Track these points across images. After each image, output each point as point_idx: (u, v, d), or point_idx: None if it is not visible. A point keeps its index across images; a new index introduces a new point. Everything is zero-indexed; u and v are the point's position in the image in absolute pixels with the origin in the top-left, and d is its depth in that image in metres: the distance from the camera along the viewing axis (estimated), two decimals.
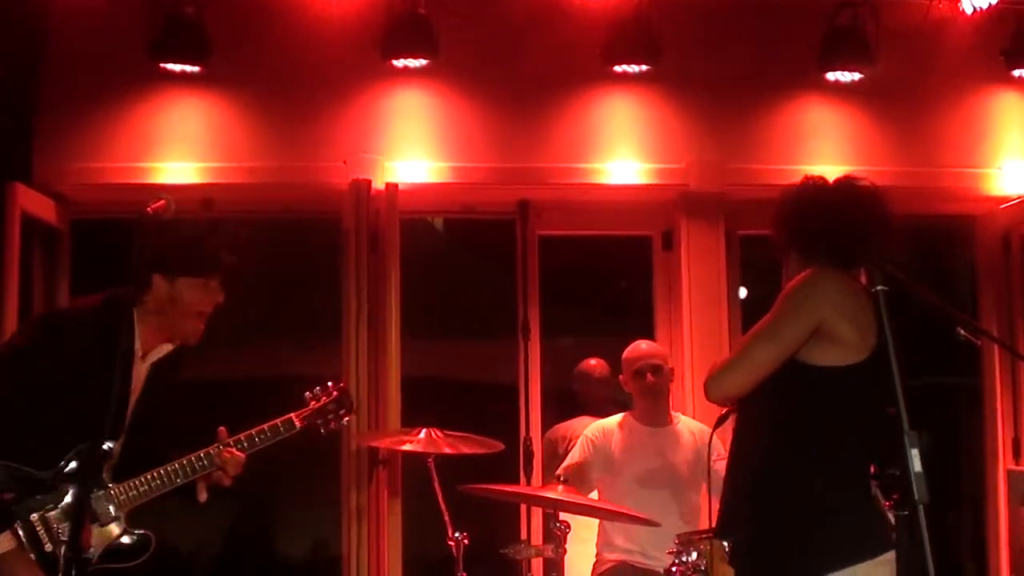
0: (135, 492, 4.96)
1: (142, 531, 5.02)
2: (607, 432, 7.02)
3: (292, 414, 5.24)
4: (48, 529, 4.81)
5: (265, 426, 5.17)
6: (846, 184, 4.64)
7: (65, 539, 4.71)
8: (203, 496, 5.11)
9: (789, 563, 4.24)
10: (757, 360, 4.20)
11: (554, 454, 7.71)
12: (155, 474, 4.98)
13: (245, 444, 5.11)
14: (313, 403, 5.32)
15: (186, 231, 4.94)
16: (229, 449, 5.07)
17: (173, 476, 5.00)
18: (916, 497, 3.45)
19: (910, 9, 7.92)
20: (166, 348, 5.09)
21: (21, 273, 7.21)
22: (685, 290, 7.96)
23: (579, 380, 8.17)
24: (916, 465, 3.47)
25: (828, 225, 4.50)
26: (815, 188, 4.65)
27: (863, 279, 4.27)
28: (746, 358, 4.22)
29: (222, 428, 5.13)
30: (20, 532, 4.78)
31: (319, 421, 5.31)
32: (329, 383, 5.41)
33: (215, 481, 5.09)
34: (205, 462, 5.03)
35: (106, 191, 7.69)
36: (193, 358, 5.37)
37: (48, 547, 4.78)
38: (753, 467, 4.37)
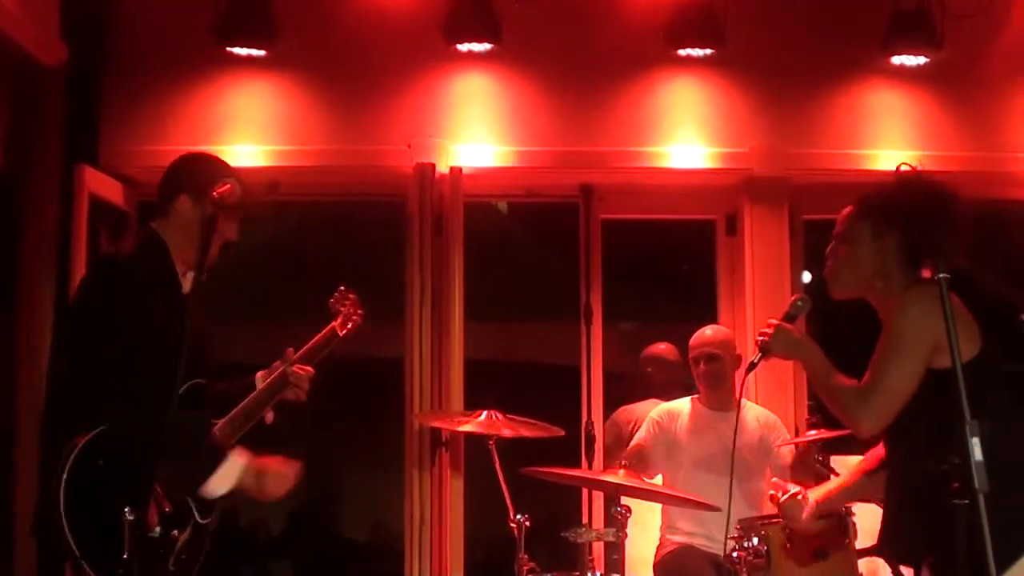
0: (235, 424, 5.04)
1: None
2: (673, 415, 7.05)
3: (334, 324, 5.45)
4: None
5: (319, 338, 5.36)
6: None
7: None
8: (270, 417, 5.21)
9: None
10: (899, 386, 4.24)
11: (618, 437, 7.72)
12: (246, 406, 5.08)
13: (307, 359, 5.26)
14: (341, 308, 5.53)
15: (224, 165, 5.07)
16: (300, 366, 5.19)
17: (260, 404, 5.11)
18: (976, 486, 3.44)
19: None
20: (189, 277, 5.02)
21: (89, 255, 7.28)
22: (748, 275, 7.95)
23: (652, 363, 8.12)
24: (976, 454, 3.46)
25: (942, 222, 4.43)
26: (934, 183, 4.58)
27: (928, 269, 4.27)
28: (889, 386, 4.25)
29: (289, 349, 5.24)
30: None
31: (349, 325, 5.52)
32: (340, 288, 5.63)
33: (292, 398, 5.19)
34: (282, 382, 5.15)
35: None
36: (257, 337, 5.48)
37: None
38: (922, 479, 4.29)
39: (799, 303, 4.77)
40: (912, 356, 4.25)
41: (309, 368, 5.23)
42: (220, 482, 4.69)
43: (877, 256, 4.51)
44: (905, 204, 4.49)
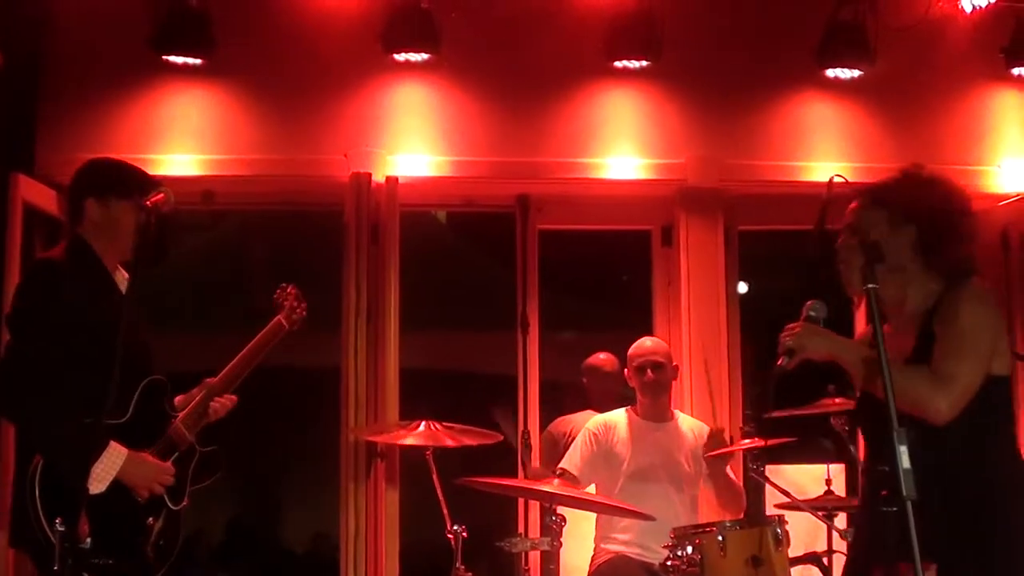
0: (194, 415, 5.17)
1: (212, 447, 5.23)
2: (608, 426, 7.06)
3: (279, 317, 5.62)
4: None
5: (265, 332, 5.54)
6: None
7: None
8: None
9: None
10: (975, 379, 4.15)
11: (554, 447, 7.73)
12: (197, 404, 5.21)
13: (249, 360, 5.40)
14: (285, 303, 5.68)
15: (125, 164, 5.21)
16: (228, 397, 5.31)
17: (203, 407, 5.22)
18: (904, 493, 3.48)
19: (910, 6, 7.92)
20: (124, 276, 5.13)
21: (23, 263, 7.22)
22: (684, 285, 7.98)
23: (588, 373, 8.12)
24: (904, 462, 3.50)
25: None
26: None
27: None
28: (967, 375, 4.14)
29: (207, 379, 5.31)
30: None
31: (294, 317, 5.69)
32: (282, 284, 5.79)
33: (212, 420, 5.28)
34: (201, 411, 5.24)
35: None
36: (196, 348, 5.47)
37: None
38: (967, 479, 4.22)
39: (817, 307, 4.34)
40: (984, 352, 4.18)
41: (233, 397, 5.35)
42: (101, 473, 4.73)
43: (891, 248, 4.33)
44: (922, 197, 4.41)
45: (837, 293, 4.50)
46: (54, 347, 4.74)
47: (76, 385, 4.69)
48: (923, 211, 4.35)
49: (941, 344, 4.21)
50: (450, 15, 7.72)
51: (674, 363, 7.22)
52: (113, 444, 4.76)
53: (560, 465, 6.94)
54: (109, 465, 4.75)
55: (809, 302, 4.34)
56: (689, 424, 7.14)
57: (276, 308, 5.67)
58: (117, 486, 4.78)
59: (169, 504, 5.00)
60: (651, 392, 7.04)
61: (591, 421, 7.19)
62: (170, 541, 5.02)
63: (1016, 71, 8.05)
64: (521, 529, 7.82)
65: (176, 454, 5.06)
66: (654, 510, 6.31)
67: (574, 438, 7.30)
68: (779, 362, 4.24)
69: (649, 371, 7.02)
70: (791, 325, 4.29)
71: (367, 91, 7.89)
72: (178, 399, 5.26)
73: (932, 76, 8.16)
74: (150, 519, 4.93)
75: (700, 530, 5.69)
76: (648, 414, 7.07)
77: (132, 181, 5.06)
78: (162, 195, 4.60)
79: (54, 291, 4.84)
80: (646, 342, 7.19)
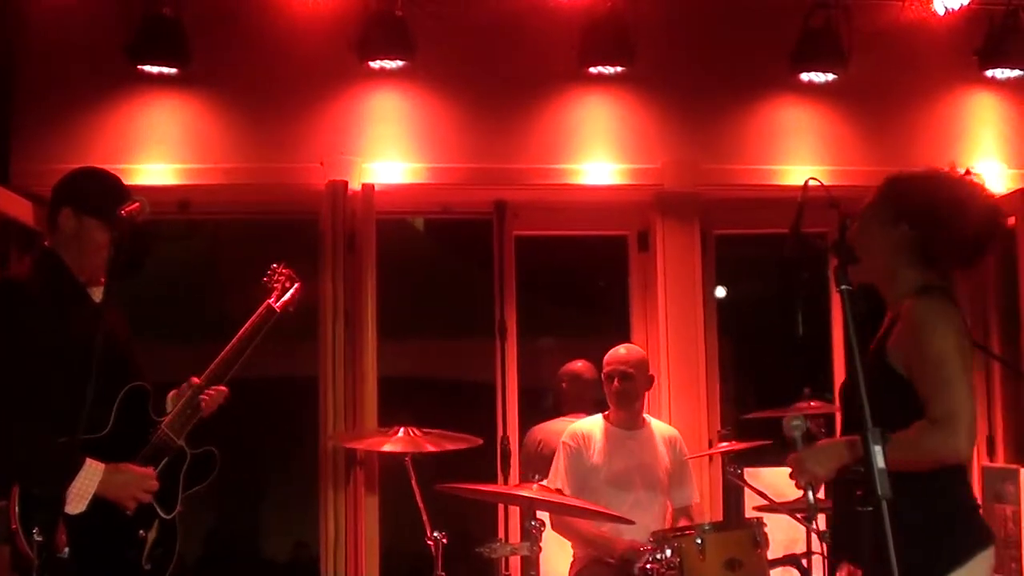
0: (181, 418, 5.06)
1: (205, 448, 5.14)
2: (583, 436, 7.07)
3: (268, 301, 5.55)
4: None
5: (255, 318, 5.46)
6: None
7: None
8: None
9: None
10: (970, 402, 4.09)
11: (527, 456, 7.72)
12: (183, 405, 5.10)
13: (239, 350, 5.32)
14: (276, 284, 5.64)
15: (110, 180, 5.05)
16: (217, 389, 5.21)
17: (176, 432, 5.08)
18: (879, 493, 3.49)
19: (883, 10, 7.98)
20: (97, 288, 5.03)
21: None
22: (661, 290, 7.99)
23: (568, 379, 8.07)
24: (879, 461, 3.51)
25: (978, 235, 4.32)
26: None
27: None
28: (963, 403, 4.06)
29: (192, 377, 5.21)
30: None
31: (286, 297, 5.64)
32: (273, 265, 5.71)
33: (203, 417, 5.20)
34: (192, 408, 5.14)
35: None
36: (173, 358, 5.44)
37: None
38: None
39: (795, 425, 4.21)
40: (965, 370, 4.12)
41: (222, 388, 5.24)
42: (79, 492, 4.65)
43: (887, 245, 4.35)
44: (920, 196, 4.35)
45: (813, 293, 4.49)
46: (17, 369, 4.66)
47: (48, 405, 4.61)
48: (912, 210, 4.31)
49: (924, 384, 4.13)
50: (425, 22, 7.72)
51: (649, 372, 7.23)
52: (89, 461, 4.67)
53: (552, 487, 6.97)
54: (87, 483, 4.66)
55: (784, 422, 4.25)
56: (660, 430, 7.17)
57: (266, 291, 5.60)
58: (102, 503, 4.70)
59: (161, 513, 4.91)
60: (618, 401, 7.08)
61: (566, 433, 7.18)
62: (167, 550, 4.94)
63: (989, 73, 8.08)
64: (501, 534, 7.83)
65: (164, 460, 4.97)
66: (630, 515, 6.33)
67: (547, 446, 7.33)
68: (803, 496, 4.20)
69: (616, 380, 7.06)
70: (789, 460, 4.22)
71: (342, 99, 7.88)
72: (171, 394, 5.19)
73: (906, 79, 8.19)
74: (141, 531, 4.85)
75: (679, 533, 5.72)
76: (620, 422, 7.10)
77: (113, 208, 4.74)
78: (137, 204, 4.57)
79: (12, 312, 4.75)
80: (620, 350, 7.20)
